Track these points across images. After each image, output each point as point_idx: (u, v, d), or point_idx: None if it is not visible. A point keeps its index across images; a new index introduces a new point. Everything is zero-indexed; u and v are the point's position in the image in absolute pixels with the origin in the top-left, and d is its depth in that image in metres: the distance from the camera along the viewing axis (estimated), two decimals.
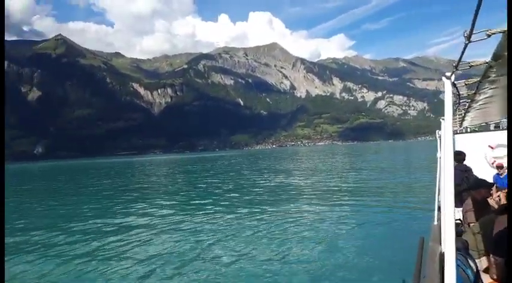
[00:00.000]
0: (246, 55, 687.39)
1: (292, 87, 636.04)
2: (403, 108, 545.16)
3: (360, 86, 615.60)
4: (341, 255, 8.32)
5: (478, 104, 3.30)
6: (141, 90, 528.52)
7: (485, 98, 2.91)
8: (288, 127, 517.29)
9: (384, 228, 10.92)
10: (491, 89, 2.52)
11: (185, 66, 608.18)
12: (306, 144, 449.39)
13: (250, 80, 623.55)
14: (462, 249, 2.93)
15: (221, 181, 28.75)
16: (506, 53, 1.62)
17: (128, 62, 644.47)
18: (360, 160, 51.91)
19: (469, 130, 9.84)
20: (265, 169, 41.48)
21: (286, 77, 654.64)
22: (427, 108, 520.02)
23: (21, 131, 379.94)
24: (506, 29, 1.40)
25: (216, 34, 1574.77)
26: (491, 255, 2.57)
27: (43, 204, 20.16)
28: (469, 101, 3.13)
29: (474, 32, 1.56)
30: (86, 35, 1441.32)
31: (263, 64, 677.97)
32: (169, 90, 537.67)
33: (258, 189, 22.09)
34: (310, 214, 13.50)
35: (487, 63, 1.88)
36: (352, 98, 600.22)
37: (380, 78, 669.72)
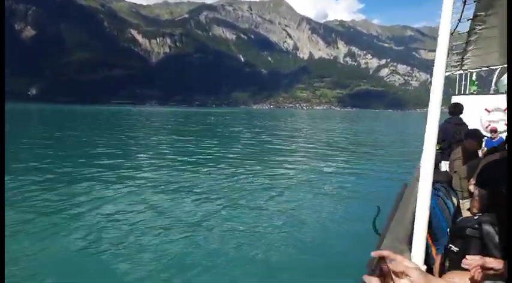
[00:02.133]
0: (251, 9, 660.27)
1: (295, 47, 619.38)
2: (406, 78, 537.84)
3: (364, 51, 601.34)
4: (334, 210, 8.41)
5: (477, 37, 3.00)
6: (139, 38, 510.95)
7: (486, 28, 2.61)
8: (288, 88, 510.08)
9: (371, 179, 12.00)
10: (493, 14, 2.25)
11: (186, 16, 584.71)
12: (304, 107, 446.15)
13: (252, 36, 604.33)
14: (445, 182, 2.89)
15: (218, 139, 27.23)
16: None
17: (126, 5, 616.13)
18: (360, 126, 50.63)
19: (467, 92, 9.94)
20: (262, 129, 39.92)
21: (290, 36, 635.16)
22: (430, 80, 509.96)
23: (14, 70, 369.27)
24: None
25: None
26: (474, 187, 2.37)
27: (33, 152, 18.34)
28: (468, 32, 2.78)
29: None
30: None
31: (267, 20, 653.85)
32: (168, 40, 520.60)
33: (251, 150, 21.36)
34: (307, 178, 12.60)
35: None
36: (355, 63, 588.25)
37: (386, 45, 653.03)
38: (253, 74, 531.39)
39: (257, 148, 21.77)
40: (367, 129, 46.66)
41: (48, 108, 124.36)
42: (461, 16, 2.53)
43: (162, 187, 10.55)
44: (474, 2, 2.19)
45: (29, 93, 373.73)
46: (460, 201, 3.01)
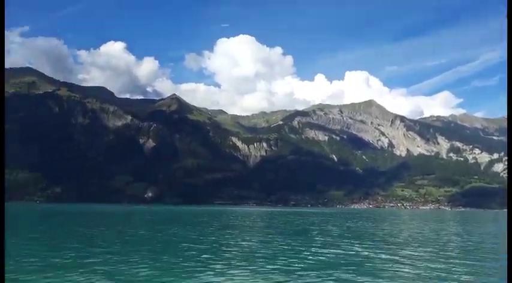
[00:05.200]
0: (341, 112, 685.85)
1: (391, 145, 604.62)
2: None
3: (470, 146, 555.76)
4: None
5: None
6: (239, 144, 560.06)
7: None
8: (386, 186, 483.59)
9: None
10: None
11: (280, 123, 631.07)
12: (407, 206, 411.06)
13: (345, 136, 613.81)
14: None
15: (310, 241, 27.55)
16: None
17: (229, 118, 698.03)
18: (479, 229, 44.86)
19: None
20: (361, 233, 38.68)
21: (383, 134, 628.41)
22: None
23: (135, 177, 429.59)
24: None
25: (312, 92, 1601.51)
26: None
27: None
28: None
29: None
30: (195, 94, 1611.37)
31: (358, 121, 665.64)
32: (264, 144, 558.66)
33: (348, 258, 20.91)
34: None
35: None
36: (461, 159, 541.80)
37: (495, 138, 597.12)
38: (347, 173, 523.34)
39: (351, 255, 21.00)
40: (489, 233, 41.62)
41: (159, 209, 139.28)
42: None
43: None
44: None
45: (146, 196, 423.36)
46: None
